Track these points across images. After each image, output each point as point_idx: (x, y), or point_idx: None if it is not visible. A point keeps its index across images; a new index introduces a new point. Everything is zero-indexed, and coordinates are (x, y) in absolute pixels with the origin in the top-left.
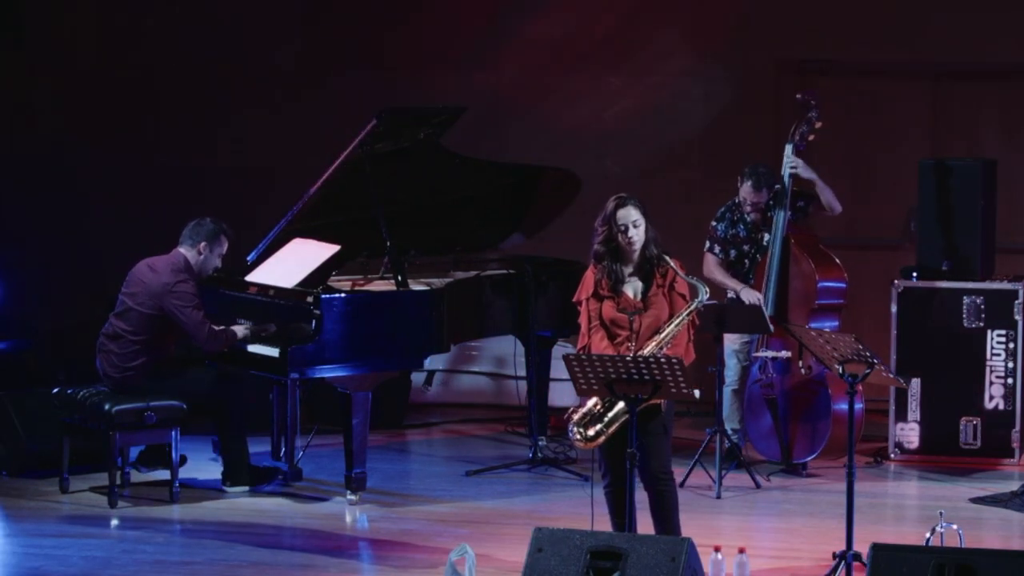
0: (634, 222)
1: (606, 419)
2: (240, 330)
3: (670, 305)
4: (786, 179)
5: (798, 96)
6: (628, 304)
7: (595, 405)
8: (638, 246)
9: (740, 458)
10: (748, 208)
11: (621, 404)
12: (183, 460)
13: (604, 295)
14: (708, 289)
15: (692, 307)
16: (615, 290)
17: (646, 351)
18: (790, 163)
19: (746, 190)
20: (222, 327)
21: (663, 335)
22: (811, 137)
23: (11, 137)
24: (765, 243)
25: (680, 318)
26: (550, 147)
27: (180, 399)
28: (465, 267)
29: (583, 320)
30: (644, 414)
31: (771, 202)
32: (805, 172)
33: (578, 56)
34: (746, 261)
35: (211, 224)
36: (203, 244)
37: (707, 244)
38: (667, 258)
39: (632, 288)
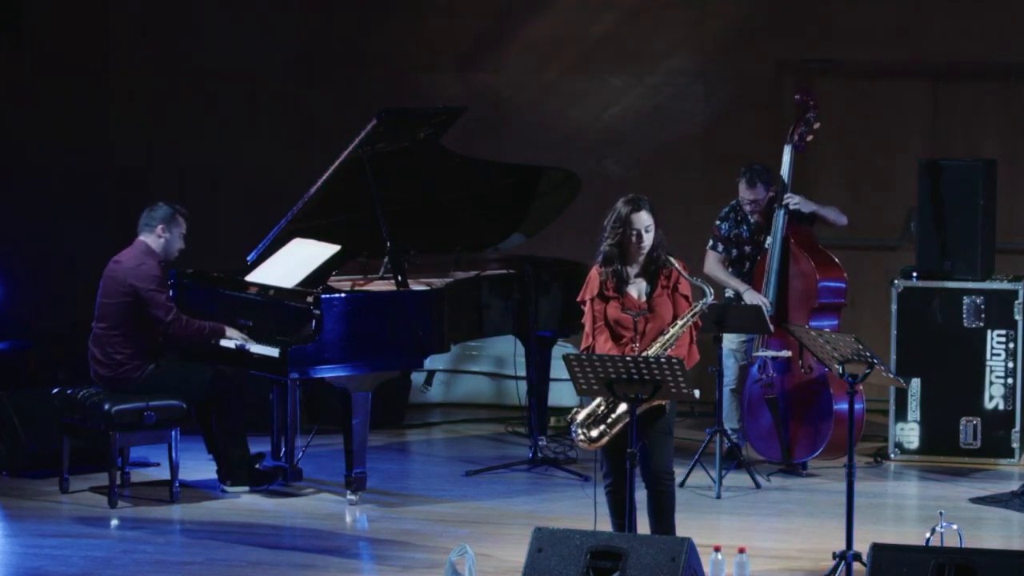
0: (647, 227)
1: (610, 420)
2: (232, 333)
3: (674, 306)
4: (785, 178)
5: (796, 96)
6: (633, 305)
7: (598, 406)
8: (647, 250)
9: (740, 458)
10: (747, 208)
11: (625, 405)
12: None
13: (609, 296)
14: (713, 291)
15: (697, 309)
16: (620, 291)
17: (650, 352)
18: (788, 200)
19: (741, 188)
20: (211, 323)
21: (667, 336)
22: (810, 137)
23: (10, 137)
24: (766, 246)
25: (685, 319)
26: (550, 147)
27: (180, 399)
28: (465, 267)
29: (587, 320)
30: (649, 413)
31: (773, 205)
32: (804, 206)
33: (578, 56)
34: (747, 262)
35: (164, 207)
36: (160, 227)
37: (710, 242)
38: (672, 259)
39: (637, 289)
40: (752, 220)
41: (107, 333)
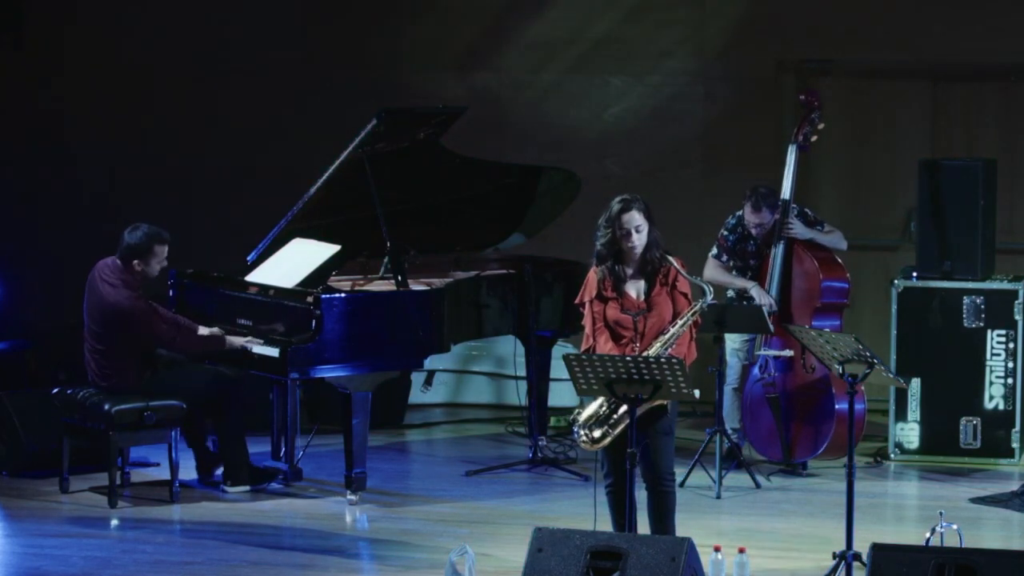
0: (637, 227)
1: (612, 420)
2: (233, 341)
3: (673, 304)
4: (789, 179)
5: (801, 97)
6: (631, 305)
7: (601, 406)
8: (639, 250)
9: (740, 458)
10: (753, 231)
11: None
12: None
13: (608, 296)
14: (713, 289)
15: (697, 308)
16: (618, 291)
17: (651, 351)
18: (787, 228)
19: (746, 212)
20: (216, 331)
21: (668, 335)
22: (814, 138)
23: (11, 137)
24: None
25: (686, 318)
26: (550, 147)
27: (180, 399)
28: (465, 267)
29: (587, 322)
30: (651, 413)
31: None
32: (802, 234)
33: (578, 56)
34: (748, 271)
35: (142, 236)
36: (136, 262)
37: (714, 250)
38: (670, 258)
39: (635, 288)
40: (759, 237)
41: (96, 350)
